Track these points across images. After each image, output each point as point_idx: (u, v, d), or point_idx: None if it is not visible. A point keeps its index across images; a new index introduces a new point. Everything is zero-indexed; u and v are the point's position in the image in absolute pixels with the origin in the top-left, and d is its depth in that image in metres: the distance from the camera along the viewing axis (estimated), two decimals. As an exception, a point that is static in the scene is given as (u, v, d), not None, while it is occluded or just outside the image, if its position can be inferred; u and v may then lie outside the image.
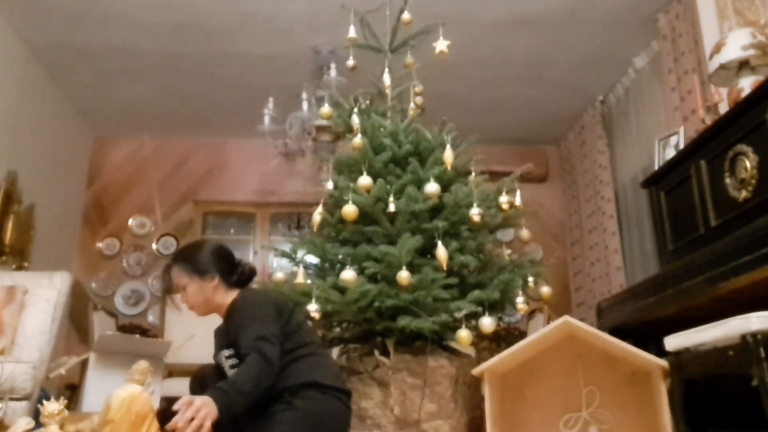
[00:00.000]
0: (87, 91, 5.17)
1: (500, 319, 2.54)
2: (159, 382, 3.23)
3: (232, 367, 1.95)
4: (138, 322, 5.47)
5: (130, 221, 5.79)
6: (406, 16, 2.83)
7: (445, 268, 2.28)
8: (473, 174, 2.63)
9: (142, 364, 1.72)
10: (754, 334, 1.60)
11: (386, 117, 2.75)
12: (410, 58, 2.83)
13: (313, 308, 2.25)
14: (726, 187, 2.45)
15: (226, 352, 1.98)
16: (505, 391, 2.32)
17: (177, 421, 1.56)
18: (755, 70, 2.58)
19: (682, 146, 3.07)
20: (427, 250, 2.42)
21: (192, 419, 1.57)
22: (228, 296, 2.08)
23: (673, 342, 1.97)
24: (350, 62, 2.84)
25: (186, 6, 4.05)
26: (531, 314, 4.85)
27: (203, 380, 2.08)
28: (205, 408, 1.60)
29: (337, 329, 2.57)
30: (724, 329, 1.71)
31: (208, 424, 1.59)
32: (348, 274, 2.23)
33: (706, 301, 2.25)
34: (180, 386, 2.99)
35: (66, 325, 5.16)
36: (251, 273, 2.16)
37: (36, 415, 1.75)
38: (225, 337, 2.02)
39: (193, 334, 4.01)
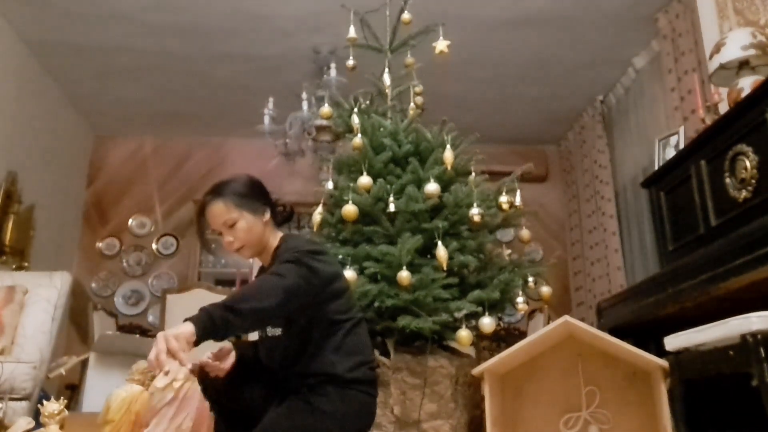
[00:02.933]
0: (87, 91, 5.17)
1: (500, 319, 2.54)
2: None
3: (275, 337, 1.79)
4: (138, 322, 5.47)
5: (130, 221, 5.79)
6: (406, 16, 2.83)
7: (445, 268, 2.28)
8: (473, 174, 2.63)
9: (142, 364, 1.72)
10: (754, 334, 1.60)
11: (386, 117, 2.75)
12: (410, 58, 2.83)
13: None
14: (726, 187, 2.44)
15: (271, 330, 1.81)
16: (505, 391, 2.32)
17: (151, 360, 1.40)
18: (755, 70, 2.58)
19: (682, 146, 3.07)
20: (427, 250, 2.41)
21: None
22: (274, 235, 1.90)
23: (673, 342, 1.97)
24: (350, 62, 2.84)
25: (186, 6, 4.05)
26: (531, 314, 4.85)
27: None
28: (171, 338, 1.39)
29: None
30: (724, 329, 1.70)
31: (174, 344, 1.38)
32: (348, 274, 2.23)
33: (706, 301, 2.25)
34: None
35: (66, 325, 5.16)
36: (292, 210, 2.00)
37: (36, 415, 1.75)
38: None
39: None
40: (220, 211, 1.83)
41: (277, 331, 1.80)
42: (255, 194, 1.89)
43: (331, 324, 1.75)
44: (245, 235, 1.83)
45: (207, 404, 1.63)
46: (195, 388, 1.58)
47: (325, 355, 1.72)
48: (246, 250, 1.86)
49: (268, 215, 1.87)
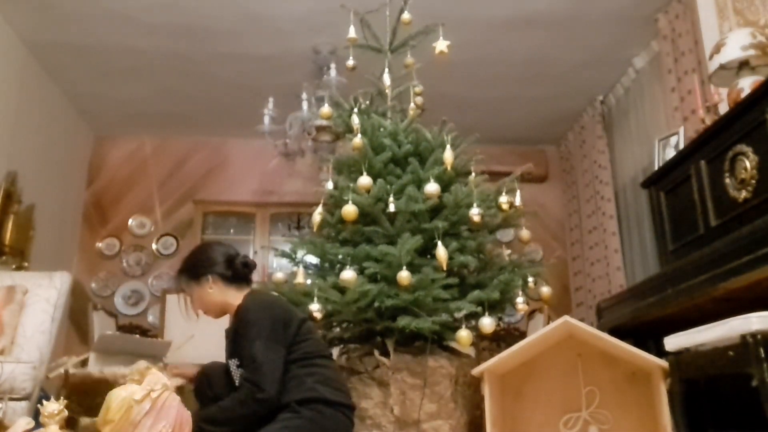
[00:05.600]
0: (87, 91, 5.17)
1: (500, 319, 2.54)
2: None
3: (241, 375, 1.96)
4: (138, 322, 5.47)
5: (130, 221, 5.79)
6: (406, 16, 2.83)
7: (445, 268, 2.28)
8: (473, 174, 2.63)
9: (142, 364, 1.72)
10: (754, 334, 1.60)
11: (386, 117, 2.75)
12: (410, 58, 2.83)
13: (315, 308, 2.25)
14: (726, 187, 2.44)
15: (235, 362, 1.98)
16: (505, 391, 2.32)
17: None
18: (755, 70, 2.58)
19: (682, 146, 3.07)
20: (427, 250, 2.41)
21: None
22: (231, 294, 2.05)
23: (673, 342, 1.97)
24: (350, 62, 2.84)
25: (186, 6, 4.05)
26: (531, 314, 4.85)
27: (210, 378, 2.09)
28: None
29: (337, 329, 2.57)
30: (724, 329, 1.70)
31: None
32: (348, 274, 2.23)
33: (706, 301, 2.25)
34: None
35: (66, 325, 5.16)
36: (245, 267, 2.09)
37: (36, 415, 1.75)
38: (232, 345, 2.00)
39: (192, 334, 4.01)
40: (181, 286, 2.11)
41: None
42: (197, 266, 2.08)
43: (310, 363, 1.92)
44: (198, 304, 2.08)
45: (187, 413, 1.67)
46: (173, 397, 1.60)
47: (309, 384, 1.88)
48: (206, 313, 2.10)
49: (211, 281, 2.04)
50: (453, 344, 2.40)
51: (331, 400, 1.88)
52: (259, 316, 1.92)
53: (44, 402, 1.65)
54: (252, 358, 1.84)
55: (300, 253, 2.58)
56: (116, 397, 1.63)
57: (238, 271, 2.07)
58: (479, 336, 2.35)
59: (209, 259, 2.08)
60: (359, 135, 2.50)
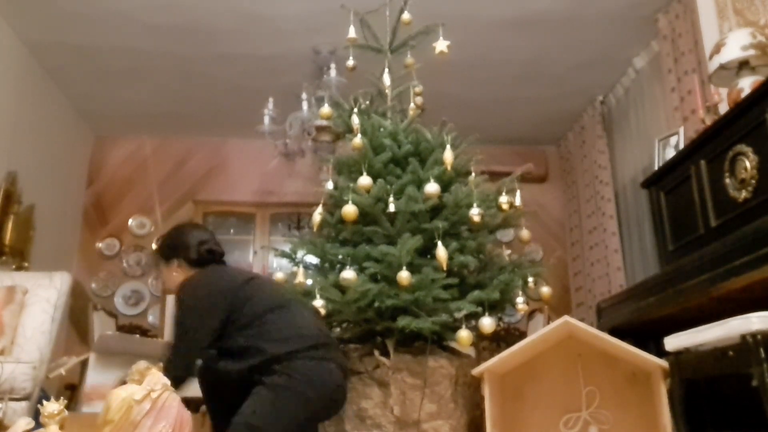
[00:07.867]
0: (87, 91, 5.17)
1: (500, 319, 2.54)
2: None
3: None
4: (138, 322, 5.47)
5: (130, 221, 5.79)
6: (406, 16, 2.83)
7: (445, 268, 2.28)
8: (473, 174, 2.62)
9: (142, 364, 1.72)
10: (754, 334, 1.60)
11: (386, 117, 2.74)
12: (410, 58, 2.83)
13: (318, 304, 2.25)
14: (726, 187, 2.45)
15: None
16: (505, 391, 2.32)
17: None
18: (755, 70, 2.58)
19: (682, 146, 3.08)
20: (427, 250, 2.41)
21: None
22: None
23: (673, 342, 1.97)
24: (350, 62, 2.84)
25: (186, 6, 4.05)
26: (531, 314, 4.85)
27: None
28: None
29: (337, 329, 2.57)
30: (724, 329, 1.71)
31: None
32: (348, 274, 2.23)
33: (706, 301, 2.25)
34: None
35: (66, 325, 5.16)
36: (209, 253, 2.16)
37: (36, 415, 1.75)
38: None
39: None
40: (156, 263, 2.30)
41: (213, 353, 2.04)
42: (167, 246, 2.19)
43: (261, 322, 1.96)
44: (166, 282, 2.20)
45: (187, 412, 1.68)
46: (173, 397, 1.60)
47: (258, 346, 1.91)
48: (172, 292, 2.18)
49: (176, 263, 2.16)
50: (453, 344, 2.40)
51: (282, 353, 1.90)
52: (187, 295, 2.01)
53: (44, 402, 1.65)
54: (172, 338, 1.96)
55: (300, 253, 2.58)
56: (116, 397, 1.63)
57: (202, 256, 2.16)
58: (479, 336, 2.35)
59: (181, 243, 2.18)
60: (359, 135, 2.49)
